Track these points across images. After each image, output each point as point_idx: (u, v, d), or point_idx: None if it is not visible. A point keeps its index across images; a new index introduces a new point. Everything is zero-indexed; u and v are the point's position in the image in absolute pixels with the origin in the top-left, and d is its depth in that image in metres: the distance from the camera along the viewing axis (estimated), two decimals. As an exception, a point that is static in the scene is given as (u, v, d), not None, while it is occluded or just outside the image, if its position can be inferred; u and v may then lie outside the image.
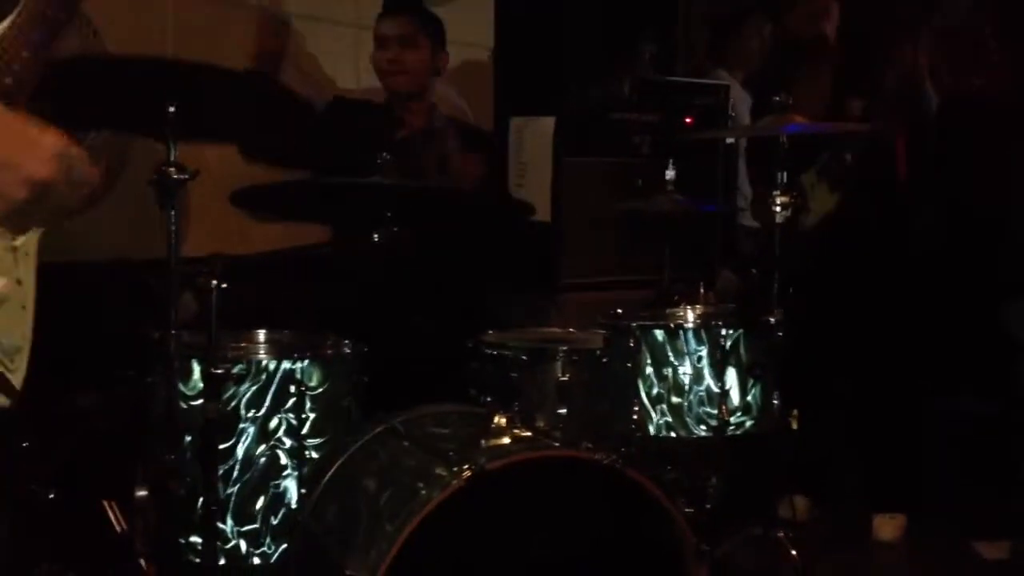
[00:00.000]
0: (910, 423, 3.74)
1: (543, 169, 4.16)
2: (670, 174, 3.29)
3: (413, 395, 2.80)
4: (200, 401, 2.59)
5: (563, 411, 2.79)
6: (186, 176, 2.43)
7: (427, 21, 3.78)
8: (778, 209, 3.00)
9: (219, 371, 2.39)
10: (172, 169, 2.41)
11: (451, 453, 2.27)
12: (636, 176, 4.08)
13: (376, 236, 2.56)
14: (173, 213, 2.43)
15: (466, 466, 2.18)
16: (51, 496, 3.12)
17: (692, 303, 3.07)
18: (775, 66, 4.24)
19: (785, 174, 2.98)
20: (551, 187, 4.10)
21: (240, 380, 2.53)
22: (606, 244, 4.05)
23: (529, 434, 2.38)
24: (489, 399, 2.91)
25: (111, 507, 3.16)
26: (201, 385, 2.61)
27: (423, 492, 2.19)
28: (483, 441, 2.33)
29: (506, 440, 2.34)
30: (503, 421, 2.36)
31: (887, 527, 3.72)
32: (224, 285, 2.33)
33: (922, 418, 3.77)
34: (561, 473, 2.29)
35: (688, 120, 4.49)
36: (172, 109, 2.41)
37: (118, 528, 3.13)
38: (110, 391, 3.22)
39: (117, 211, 3.69)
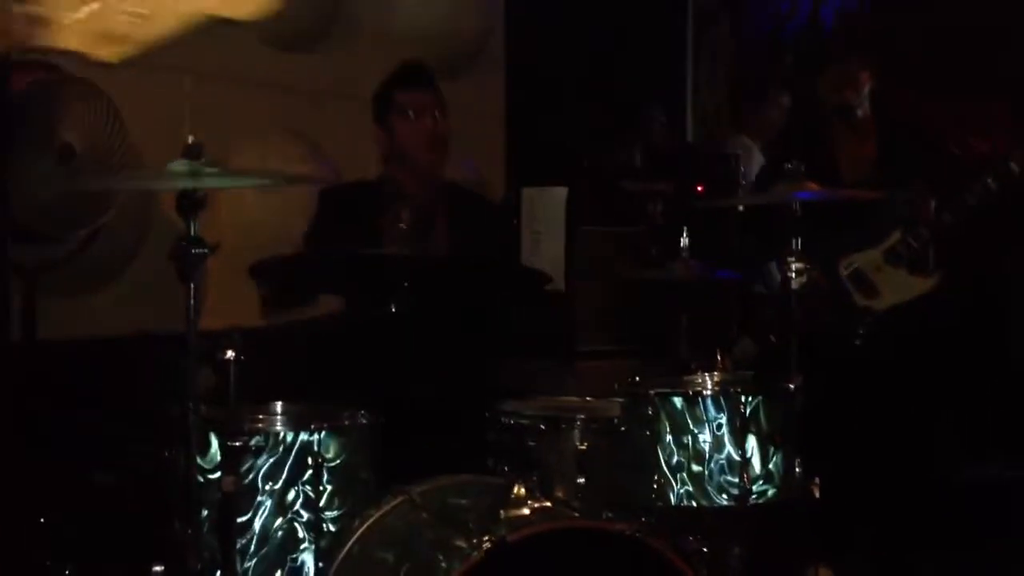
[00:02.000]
0: (931, 490, 3.71)
1: (556, 238, 4.19)
2: (684, 242, 3.30)
3: (430, 465, 2.80)
4: (218, 474, 2.59)
5: (582, 480, 2.78)
6: (205, 251, 2.44)
7: (441, 93, 3.66)
8: (792, 275, 2.99)
9: (237, 444, 2.38)
10: (192, 244, 2.42)
11: (471, 524, 2.26)
12: (650, 244, 4.10)
13: (393, 306, 2.57)
14: (192, 288, 2.44)
15: (486, 538, 2.17)
16: (67, 573, 3.11)
17: (709, 370, 3.06)
18: (795, 134, 4.25)
19: (799, 240, 2.98)
20: (564, 256, 4.11)
21: (259, 453, 2.53)
22: (621, 312, 4.05)
23: (549, 504, 2.37)
24: (507, 468, 2.90)
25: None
26: (219, 458, 2.62)
27: (443, 565, 2.18)
28: (502, 512, 2.32)
29: (525, 511, 2.33)
30: (522, 491, 2.35)
31: None
32: (242, 358, 2.33)
33: (943, 486, 3.75)
34: (582, 544, 2.27)
35: (699, 188, 4.53)
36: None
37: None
38: (127, 467, 3.22)
39: (136, 285, 3.72)
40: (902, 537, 3.69)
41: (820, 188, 3.09)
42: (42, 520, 2.98)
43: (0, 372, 2.98)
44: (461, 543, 2.23)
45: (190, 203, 2.46)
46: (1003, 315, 4.43)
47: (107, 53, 3.30)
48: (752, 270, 4.11)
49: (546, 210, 4.24)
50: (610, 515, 2.33)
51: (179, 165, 2.44)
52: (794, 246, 3.01)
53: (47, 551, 3.06)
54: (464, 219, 3.53)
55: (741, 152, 5.13)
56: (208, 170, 2.44)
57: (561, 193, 4.19)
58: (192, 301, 2.45)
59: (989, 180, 3.70)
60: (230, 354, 2.35)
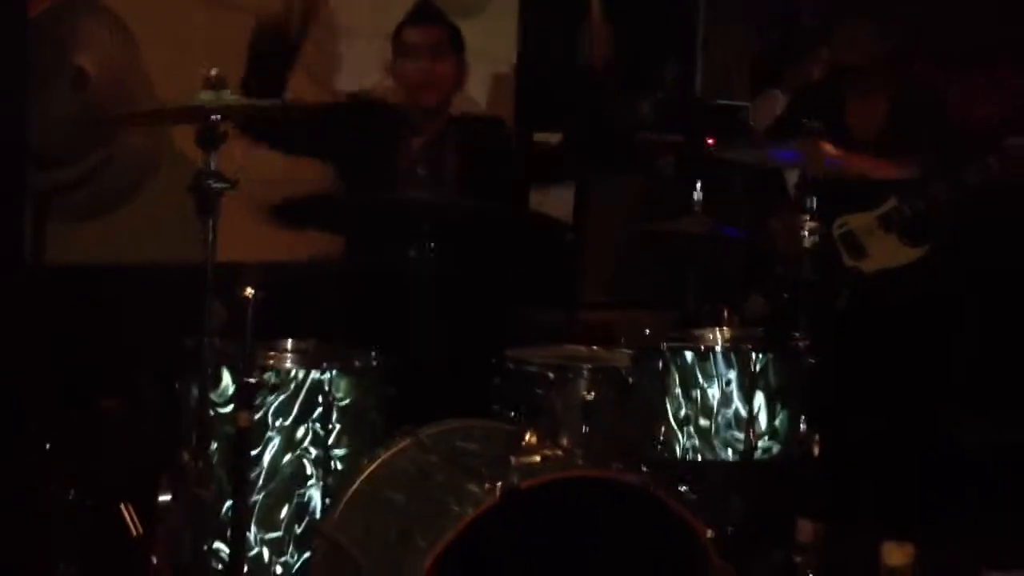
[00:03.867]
0: (926, 450, 3.75)
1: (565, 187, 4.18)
2: (698, 196, 3.29)
3: (436, 409, 2.81)
4: (229, 408, 2.61)
5: (587, 429, 2.80)
6: (226, 185, 2.44)
7: (454, 32, 3.65)
8: (805, 234, 3.00)
9: (253, 380, 2.39)
10: (212, 178, 2.42)
11: (483, 469, 2.28)
12: (659, 196, 4.10)
13: (412, 252, 2.57)
14: (211, 222, 2.43)
15: (499, 483, 2.19)
16: (70, 497, 3.13)
17: (717, 325, 3.07)
18: (809, 90, 4.22)
19: (814, 200, 2.99)
20: (574, 204, 4.11)
21: (274, 390, 2.54)
22: (629, 263, 4.06)
23: (560, 453, 2.39)
24: (513, 415, 2.92)
25: (128, 510, 3.18)
26: (231, 393, 2.63)
27: (455, 508, 2.20)
28: (513, 458, 2.33)
29: (536, 458, 2.34)
30: (533, 439, 2.37)
31: (896, 554, 3.72)
32: (261, 295, 2.33)
33: (939, 446, 3.78)
34: (592, 493, 2.29)
35: (709, 141, 4.51)
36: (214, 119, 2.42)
37: (134, 531, 3.14)
38: (134, 394, 3.23)
39: (145, 216, 3.71)
40: (892, 495, 3.75)
41: (836, 150, 3.09)
42: (47, 446, 2.99)
43: (14, 294, 2.97)
44: (473, 487, 2.24)
45: (211, 136, 2.45)
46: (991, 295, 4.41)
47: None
48: (756, 226, 4.11)
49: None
50: (619, 466, 2.34)
51: (203, 96, 2.43)
52: (808, 205, 3.02)
53: (52, 477, 3.07)
54: (476, 152, 3.49)
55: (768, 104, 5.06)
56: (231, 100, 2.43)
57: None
58: (211, 235, 2.46)
59: (989, 159, 3.71)
60: (249, 291, 2.34)
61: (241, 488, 2.41)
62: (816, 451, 2.84)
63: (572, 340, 3.23)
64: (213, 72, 2.41)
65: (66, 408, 3.17)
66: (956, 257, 3.91)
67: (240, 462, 2.41)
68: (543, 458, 2.35)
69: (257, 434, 2.60)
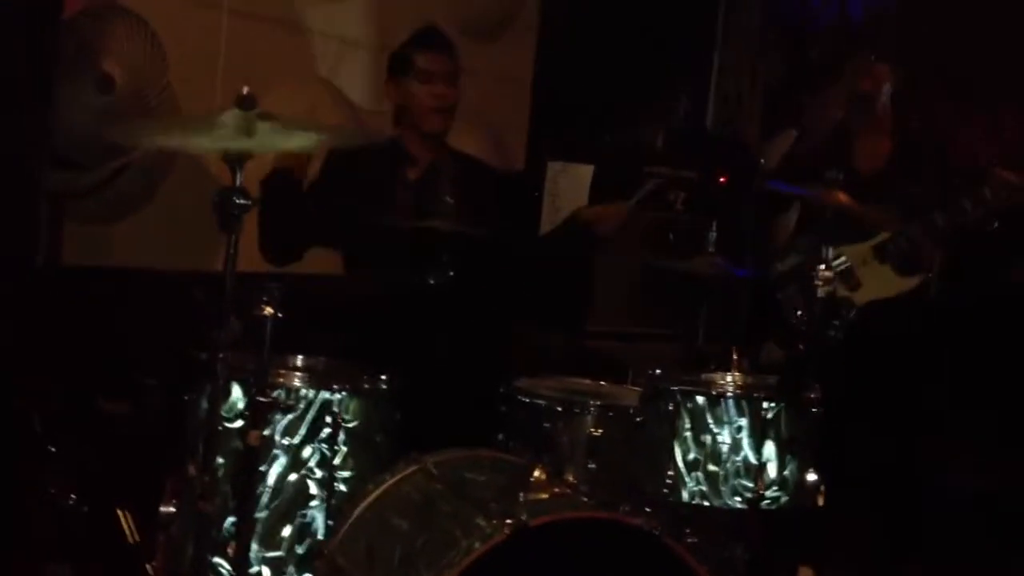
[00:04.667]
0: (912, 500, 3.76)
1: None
2: (712, 236, 3.30)
3: (441, 435, 2.82)
4: (238, 424, 2.60)
5: (592, 466, 2.80)
6: (249, 203, 2.44)
7: (457, 59, 3.60)
8: (820, 283, 3.01)
9: (266, 400, 2.39)
10: (236, 195, 2.42)
11: (491, 504, 2.28)
12: (669, 231, 4.11)
13: (432, 280, 2.57)
14: (233, 239, 2.43)
15: (508, 520, 2.19)
16: (70, 501, 3.12)
17: (726, 368, 3.07)
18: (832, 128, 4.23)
19: (830, 249, 3.00)
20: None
21: (288, 411, 2.54)
22: (635, 296, 4.07)
23: (568, 491, 2.39)
24: (517, 445, 2.91)
25: (125, 517, 3.17)
26: (240, 408, 2.63)
27: (462, 541, 2.20)
28: (522, 494, 2.33)
29: (544, 495, 2.35)
30: (543, 476, 2.37)
31: None
32: (280, 315, 2.33)
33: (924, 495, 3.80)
34: (599, 533, 2.29)
35: (722, 179, 4.53)
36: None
37: (130, 538, 3.13)
38: (139, 401, 3.22)
39: (154, 222, 3.71)
40: (880, 542, 3.75)
41: (850, 200, 3.11)
42: (52, 449, 2.98)
43: (25, 295, 2.96)
44: (480, 521, 2.24)
45: (236, 154, 2.45)
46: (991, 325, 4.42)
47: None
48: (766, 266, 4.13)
49: (570, 186, 4.25)
50: (627, 508, 2.35)
51: (230, 116, 2.43)
52: (824, 254, 3.03)
53: (57, 482, 3.07)
54: (470, 185, 3.47)
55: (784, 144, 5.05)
56: (260, 124, 2.43)
57: (587, 171, 4.19)
58: (231, 251, 2.45)
59: (984, 189, 3.73)
60: (268, 310, 2.34)
61: (248, 506, 2.39)
62: (821, 501, 2.84)
63: (579, 372, 3.24)
64: (245, 91, 2.41)
65: (71, 411, 3.17)
66: (948, 289, 3.94)
67: (248, 480, 2.40)
68: (551, 495, 2.36)
69: (263, 452, 2.60)
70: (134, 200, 3.65)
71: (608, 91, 5.42)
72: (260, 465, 2.58)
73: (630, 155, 4.66)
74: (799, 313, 3.55)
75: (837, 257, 3.79)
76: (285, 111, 2.53)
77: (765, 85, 6.38)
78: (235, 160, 2.43)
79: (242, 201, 2.42)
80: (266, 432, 2.57)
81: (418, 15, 4.55)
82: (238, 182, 2.44)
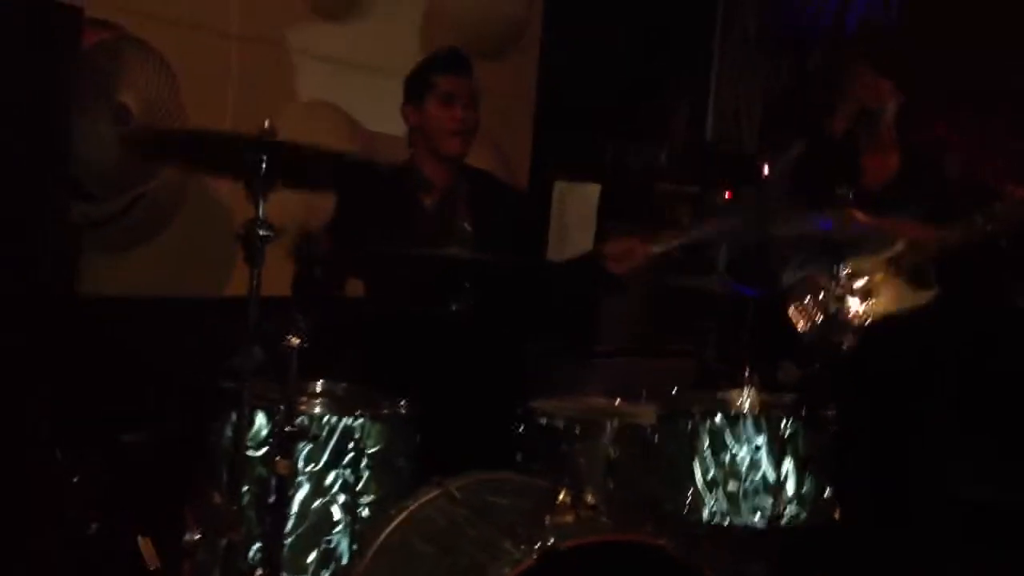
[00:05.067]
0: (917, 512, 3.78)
1: (584, 234, 4.22)
2: (722, 256, 3.34)
3: (460, 457, 2.84)
4: (262, 452, 2.63)
5: (612, 486, 2.83)
6: (272, 234, 2.47)
7: (477, 80, 3.60)
8: (833, 300, 3.05)
9: (294, 430, 2.42)
10: (260, 227, 2.45)
11: (518, 528, 2.30)
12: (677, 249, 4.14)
13: (454, 306, 2.61)
14: (257, 271, 2.46)
15: (536, 544, 2.22)
16: (91, 531, 3.14)
17: (736, 385, 3.10)
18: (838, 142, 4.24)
19: (841, 268, 3.04)
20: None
21: (315, 439, 2.57)
22: (643, 313, 4.10)
23: (592, 514, 2.41)
24: (536, 467, 2.94)
25: (146, 544, 3.19)
26: (263, 435, 2.65)
27: (491, 567, 2.22)
28: (548, 518, 2.36)
29: (569, 519, 2.38)
30: (568, 499, 2.40)
31: None
32: (306, 346, 2.37)
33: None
34: (623, 555, 2.32)
35: (728, 194, 4.58)
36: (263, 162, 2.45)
37: (151, 566, 3.15)
38: (159, 429, 3.25)
39: (168, 251, 3.73)
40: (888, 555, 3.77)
41: (866, 216, 3.15)
42: (75, 479, 3.01)
43: (62, 326, 2.99)
44: (508, 546, 2.27)
45: (259, 185, 2.48)
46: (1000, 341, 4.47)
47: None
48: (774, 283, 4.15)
49: (577, 205, 4.28)
50: (650, 530, 2.37)
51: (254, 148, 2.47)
52: (836, 272, 3.07)
53: (78, 510, 3.09)
54: (485, 205, 3.49)
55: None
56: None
57: (594, 190, 4.22)
58: (255, 282, 2.49)
59: (996, 205, 3.75)
60: (294, 341, 2.37)
61: (277, 535, 2.42)
62: (837, 516, 2.87)
63: (594, 391, 3.27)
64: (267, 124, 2.45)
65: (92, 440, 3.19)
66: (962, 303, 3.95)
67: (278, 509, 2.43)
68: (576, 519, 2.38)
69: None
70: (149, 229, 3.68)
71: (610, 108, 5.48)
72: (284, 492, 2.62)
73: (635, 172, 4.70)
74: (809, 326, 3.57)
75: (849, 272, 3.82)
76: (294, 135, 2.55)
77: (763, 98, 6.43)
78: (258, 191, 2.47)
79: (265, 233, 2.46)
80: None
81: (424, 36, 4.64)
82: (261, 213, 2.48)
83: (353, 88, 4.53)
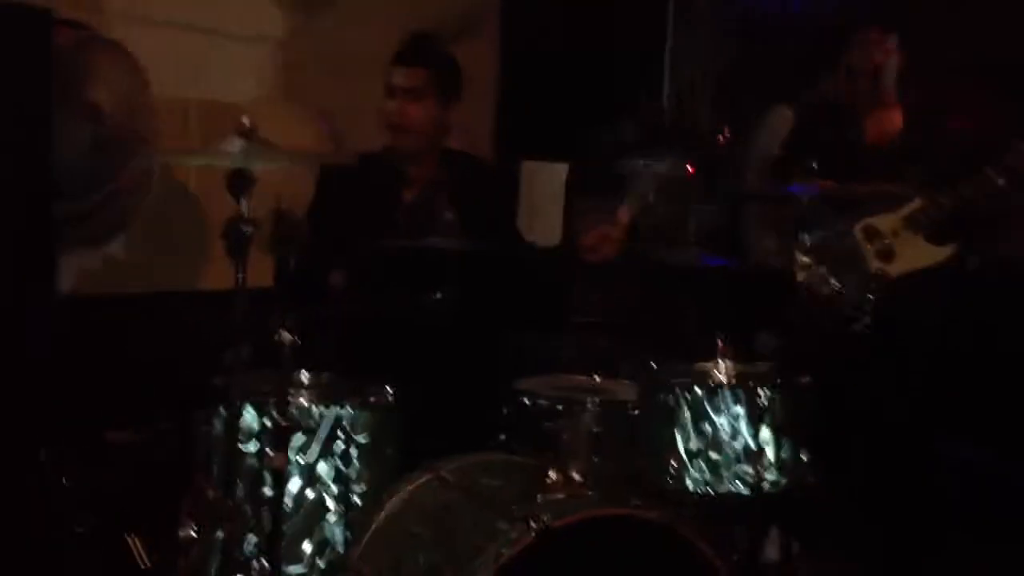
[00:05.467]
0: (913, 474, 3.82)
1: (553, 213, 4.28)
2: (691, 227, 3.40)
3: (445, 440, 2.90)
4: (252, 445, 2.67)
5: (596, 460, 2.88)
6: (254, 229, 2.50)
7: (441, 73, 3.50)
8: (799, 269, 3.11)
9: (288, 423, 2.46)
10: (242, 223, 2.48)
11: (512, 507, 2.36)
12: (644, 223, 4.19)
13: (439, 294, 2.65)
14: (241, 266, 2.49)
15: (532, 522, 2.27)
16: (81, 530, 3.16)
17: (711, 357, 3.17)
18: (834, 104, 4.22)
19: (806, 235, 3.10)
20: (563, 231, 4.20)
21: (309, 432, 2.60)
22: (619, 290, 4.15)
23: (584, 491, 2.47)
24: (517, 445, 3.00)
25: (135, 542, 3.22)
26: (254, 429, 2.69)
27: (489, 547, 2.28)
28: (540, 496, 2.42)
29: (561, 496, 2.44)
30: (560, 478, 2.46)
31: None
32: (298, 342, 2.40)
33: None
34: (614, 529, 2.38)
35: (690, 169, 4.62)
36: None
37: (142, 564, 3.18)
38: (146, 426, 3.27)
39: (139, 245, 3.74)
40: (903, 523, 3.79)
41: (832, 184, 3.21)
42: (64, 481, 3.02)
43: (46, 326, 3.00)
44: (503, 525, 2.32)
45: (241, 182, 2.52)
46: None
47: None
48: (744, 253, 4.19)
49: (545, 185, 4.33)
50: (638, 502, 2.44)
51: (233, 144, 2.50)
52: (801, 239, 3.13)
53: (72, 514, 3.11)
54: (468, 192, 3.47)
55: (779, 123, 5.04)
56: (260, 150, 2.50)
57: (562, 169, 4.27)
58: (241, 276, 2.52)
59: (1009, 161, 3.73)
60: (286, 336, 2.41)
61: (276, 529, 2.46)
62: (812, 480, 2.95)
63: (572, 368, 3.33)
64: (245, 121, 2.48)
65: (78, 440, 3.21)
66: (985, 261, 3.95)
67: (277, 502, 2.47)
68: (568, 496, 2.45)
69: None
70: (118, 224, 3.68)
71: (570, 88, 5.51)
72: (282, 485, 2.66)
73: (598, 150, 4.73)
74: (833, 287, 3.56)
75: (867, 225, 3.81)
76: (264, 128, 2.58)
77: (717, 73, 6.48)
78: (239, 188, 2.50)
79: (248, 228, 2.50)
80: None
81: (385, 22, 4.63)
82: (243, 209, 2.51)
83: (320, 78, 4.52)
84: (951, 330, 3.84)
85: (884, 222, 3.81)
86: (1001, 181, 3.67)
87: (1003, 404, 3.96)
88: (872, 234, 3.82)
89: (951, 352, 3.82)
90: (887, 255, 3.77)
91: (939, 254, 3.76)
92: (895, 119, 3.94)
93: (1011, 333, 4.10)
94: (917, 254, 3.75)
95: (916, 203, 3.79)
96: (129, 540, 3.20)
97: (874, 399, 3.58)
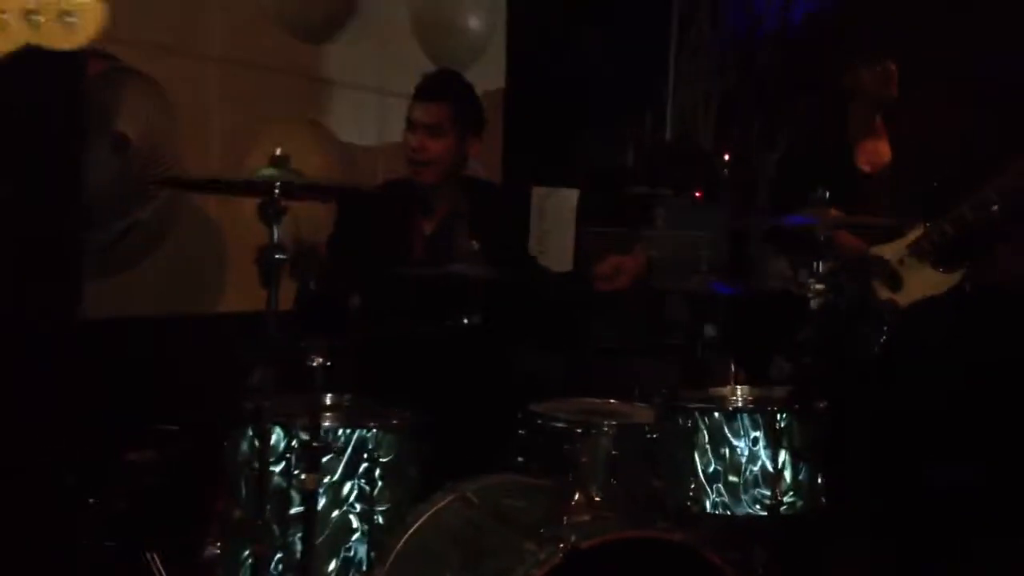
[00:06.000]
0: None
1: (564, 238, 4.35)
2: (704, 255, 3.47)
3: (465, 462, 2.95)
4: (281, 466, 2.72)
5: (614, 482, 2.94)
6: (285, 257, 2.56)
7: (462, 108, 3.56)
8: (811, 296, 3.17)
9: (319, 444, 2.51)
10: (275, 251, 2.54)
11: (540, 529, 2.41)
12: (653, 249, 4.26)
13: (466, 320, 2.71)
14: (274, 292, 2.55)
15: (560, 544, 2.32)
16: (105, 548, 3.20)
17: (725, 382, 3.23)
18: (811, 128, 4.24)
19: (820, 264, 3.17)
20: (573, 256, 4.27)
21: (341, 453, 2.66)
22: (631, 315, 4.21)
23: (607, 513, 2.53)
24: (537, 466, 3.05)
25: (154, 560, 3.26)
26: (280, 450, 2.74)
27: (518, 568, 2.33)
28: (566, 518, 2.48)
29: (587, 518, 2.49)
30: (584, 499, 2.51)
31: None
32: (329, 365, 2.46)
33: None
34: (637, 551, 2.44)
35: (698, 194, 4.71)
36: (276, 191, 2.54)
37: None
38: (170, 447, 3.32)
39: (164, 268, 3.79)
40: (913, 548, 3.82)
41: (843, 214, 3.28)
42: (90, 500, 3.07)
43: (72, 351, 3.06)
44: (531, 546, 2.38)
45: (273, 210, 2.58)
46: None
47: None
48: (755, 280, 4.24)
49: (556, 210, 4.40)
50: (663, 524, 2.49)
51: (266, 171, 2.56)
52: (815, 269, 3.20)
53: (98, 534, 3.15)
54: (489, 221, 3.52)
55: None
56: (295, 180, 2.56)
57: (572, 195, 4.34)
58: (273, 303, 2.57)
59: (1007, 180, 3.68)
60: (318, 360, 2.47)
61: (309, 549, 2.51)
62: (824, 502, 3.01)
63: (587, 392, 3.38)
64: (277, 151, 2.54)
65: (102, 461, 3.26)
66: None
67: (309, 523, 2.52)
68: (593, 517, 2.50)
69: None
70: (143, 252, 3.73)
71: (577, 114, 5.58)
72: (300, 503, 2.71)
73: (606, 176, 4.81)
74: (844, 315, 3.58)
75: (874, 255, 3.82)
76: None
77: (718, 98, 6.57)
78: (272, 216, 2.56)
79: (280, 256, 2.56)
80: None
81: (394, 53, 4.71)
82: (275, 237, 2.56)
83: (338, 106, 4.58)
84: (955, 351, 3.85)
85: (889, 250, 3.83)
86: (999, 202, 3.68)
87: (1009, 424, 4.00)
88: (879, 263, 3.84)
89: (956, 374, 3.84)
90: (895, 283, 3.79)
91: (948, 281, 3.75)
92: (883, 149, 3.98)
93: (1011, 353, 4.13)
94: (925, 281, 3.78)
95: (919, 230, 3.80)
96: (149, 558, 3.25)
97: (884, 422, 3.62)
